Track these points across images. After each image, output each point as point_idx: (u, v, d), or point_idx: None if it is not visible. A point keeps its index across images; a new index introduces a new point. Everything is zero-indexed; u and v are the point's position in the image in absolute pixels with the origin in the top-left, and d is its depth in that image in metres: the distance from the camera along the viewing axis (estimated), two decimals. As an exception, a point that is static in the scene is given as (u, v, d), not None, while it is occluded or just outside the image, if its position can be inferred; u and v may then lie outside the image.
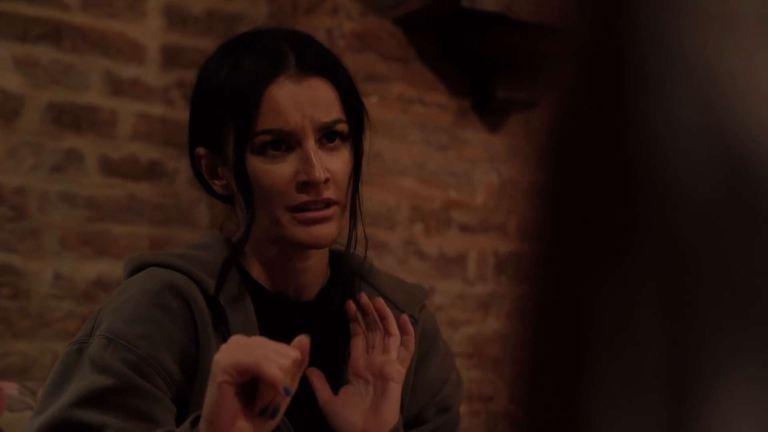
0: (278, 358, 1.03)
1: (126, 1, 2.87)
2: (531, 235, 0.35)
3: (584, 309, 0.32)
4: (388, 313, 1.28)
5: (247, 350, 1.04)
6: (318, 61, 1.23)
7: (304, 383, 1.20)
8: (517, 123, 3.17)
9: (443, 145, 3.05)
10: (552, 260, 0.34)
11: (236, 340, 1.07)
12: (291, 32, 1.27)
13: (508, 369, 0.35)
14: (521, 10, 2.86)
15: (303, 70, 1.22)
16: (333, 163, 1.21)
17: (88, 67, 2.79)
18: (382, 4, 2.91)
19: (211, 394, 1.04)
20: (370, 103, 2.86)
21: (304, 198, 1.20)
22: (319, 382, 1.26)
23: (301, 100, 1.20)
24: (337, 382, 1.28)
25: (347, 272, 1.34)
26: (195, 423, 1.07)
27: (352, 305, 1.30)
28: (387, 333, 1.28)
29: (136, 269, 1.25)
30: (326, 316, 1.30)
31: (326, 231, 1.21)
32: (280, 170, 1.20)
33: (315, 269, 1.29)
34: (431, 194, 3.02)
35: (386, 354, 1.27)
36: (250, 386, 1.05)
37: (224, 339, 1.19)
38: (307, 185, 1.20)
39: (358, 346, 1.28)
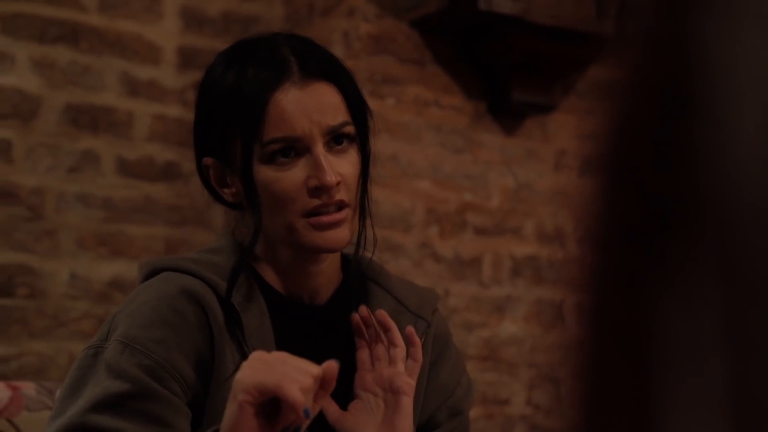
0: (300, 377, 1.03)
1: (143, 2, 2.88)
2: (591, 246, 0.34)
3: (646, 326, 0.32)
4: (392, 324, 1.26)
5: (268, 370, 1.04)
6: (320, 66, 1.23)
7: None
8: (532, 126, 3.17)
9: (459, 147, 3.04)
10: (613, 273, 0.33)
11: (258, 357, 1.06)
12: (292, 37, 1.27)
13: (566, 386, 0.34)
14: (538, 12, 2.85)
15: (306, 75, 1.22)
16: (342, 166, 1.22)
17: (104, 68, 2.80)
18: (399, 7, 2.91)
19: (231, 411, 1.05)
20: (386, 105, 2.86)
21: (316, 202, 1.20)
22: (325, 401, 1.22)
23: (306, 106, 1.20)
24: (346, 389, 1.26)
25: (359, 276, 1.33)
26: None
27: (356, 317, 1.28)
28: (392, 344, 1.26)
29: (150, 274, 1.25)
30: (339, 320, 1.29)
31: (341, 235, 1.21)
32: (291, 177, 1.20)
33: (328, 273, 1.29)
34: (446, 197, 3.02)
35: (393, 365, 1.25)
36: (270, 404, 1.05)
37: (239, 343, 1.19)
38: (318, 190, 1.20)
39: (363, 359, 1.27)
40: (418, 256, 2.95)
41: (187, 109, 2.89)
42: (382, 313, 1.27)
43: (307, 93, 1.21)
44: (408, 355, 1.26)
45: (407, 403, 1.23)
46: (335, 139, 1.22)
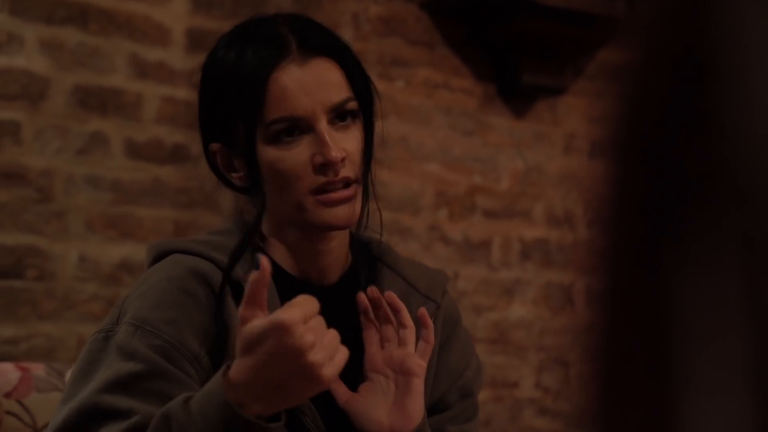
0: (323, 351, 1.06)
1: (152, -16, 2.87)
2: (602, 229, 0.33)
3: (665, 303, 0.31)
4: (401, 305, 1.25)
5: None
6: (320, 42, 1.22)
7: None
8: (542, 109, 3.16)
9: (468, 130, 3.04)
10: (626, 255, 0.33)
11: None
12: (290, 16, 1.27)
13: (582, 366, 0.34)
14: (548, -6, 2.84)
15: (306, 52, 1.21)
16: (347, 142, 1.21)
17: (113, 50, 2.79)
18: (408, -12, 2.90)
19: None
20: (396, 87, 2.85)
21: (322, 179, 1.19)
22: (334, 382, 1.20)
23: (308, 84, 1.20)
24: (356, 371, 1.25)
25: (369, 257, 1.33)
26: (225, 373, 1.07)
27: (362, 296, 1.27)
28: (402, 326, 1.25)
29: (159, 256, 1.25)
30: (349, 301, 1.29)
31: (349, 211, 1.21)
32: (296, 155, 1.20)
33: (337, 252, 1.28)
34: (456, 179, 3.01)
35: (403, 347, 1.24)
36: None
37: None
38: (324, 166, 1.19)
39: (371, 340, 1.26)
40: (427, 239, 2.95)
41: (196, 92, 2.88)
42: (391, 295, 1.26)
43: (308, 70, 1.20)
44: (420, 337, 1.25)
45: (418, 384, 1.23)
46: (339, 115, 1.21)
